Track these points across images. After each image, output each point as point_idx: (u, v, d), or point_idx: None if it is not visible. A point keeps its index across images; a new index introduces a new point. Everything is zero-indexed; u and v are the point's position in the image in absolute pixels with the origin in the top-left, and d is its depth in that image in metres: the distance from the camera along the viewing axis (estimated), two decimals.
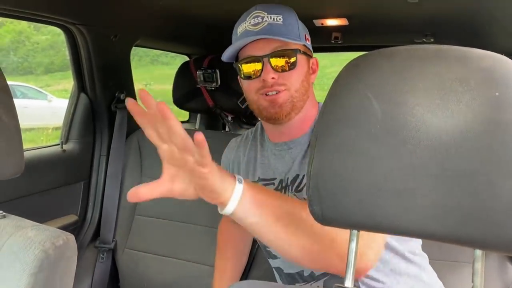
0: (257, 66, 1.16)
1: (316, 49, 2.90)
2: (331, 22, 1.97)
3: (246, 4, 1.60)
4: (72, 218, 1.87)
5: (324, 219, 0.77)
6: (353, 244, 0.79)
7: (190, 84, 2.04)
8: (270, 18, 1.15)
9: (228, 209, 0.88)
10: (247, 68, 1.18)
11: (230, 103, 2.00)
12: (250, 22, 1.16)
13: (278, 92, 1.16)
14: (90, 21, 1.69)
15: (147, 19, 1.86)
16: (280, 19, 1.16)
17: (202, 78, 1.97)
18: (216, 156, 1.72)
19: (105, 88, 1.93)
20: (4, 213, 1.01)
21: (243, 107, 1.96)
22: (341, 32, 2.18)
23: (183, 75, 2.08)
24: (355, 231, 0.79)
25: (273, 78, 1.15)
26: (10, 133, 0.97)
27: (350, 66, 0.76)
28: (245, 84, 1.22)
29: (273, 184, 1.24)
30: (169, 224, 1.83)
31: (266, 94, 1.16)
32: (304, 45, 1.21)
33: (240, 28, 1.19)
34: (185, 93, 2.06)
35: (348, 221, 0.75)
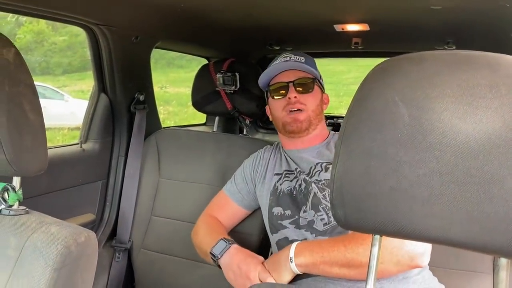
0: (284, 89, 1.55)
1: (336, 55, 2.94)
2: (352, 27, 1.97)
3: (266, 9, 1.61)
4: (89, 217, 1.88)
5: (346, 223, 0.76)
6: (375, 250, 0.79)
7: (209, 86, 2.04)
8: (295, 58, 1.57)
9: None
10: (276, 91, 1.57)
11: (249, 107, 2.00)
12: (280, 60, 1.58)
13: (299, 110, 1.52)
14: (112, 22, 1.71)
15: (167, 21, 1.88)
16: (303, 60, 1.57)
17: (221, 81, 1.97)
18: (237, 158, 1.75)
19: (125, 89, 1.94)
20: (27, 209, 1.02)
21: (261, 111, 1.96)
22: (362, 37, 2.18)
23: (203, 78, 2.09)
24: (377, 236, 0.79)
25: (295, 97, 1.52)
26: (36, 130, 0.98)
27: (377, 70, 0.76)
28: (273, 104, 1.60)
29: (293, 173, 1.55)
30: (185, 225, 1.83)
31: (290, 111, 1.52)
32: (319, 81, 1.60)
33: (272, 64, 1.60)
34: (204, 95, 2.06)
35: (371, 226, 0.74)
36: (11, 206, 1.00)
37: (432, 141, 0.67)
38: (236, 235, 1.73)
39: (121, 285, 1.93)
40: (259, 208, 1.65)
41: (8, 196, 1.00)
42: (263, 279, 1.33)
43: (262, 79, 1.61)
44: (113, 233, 1.95)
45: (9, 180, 1.01)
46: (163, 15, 1.77)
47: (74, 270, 0.90)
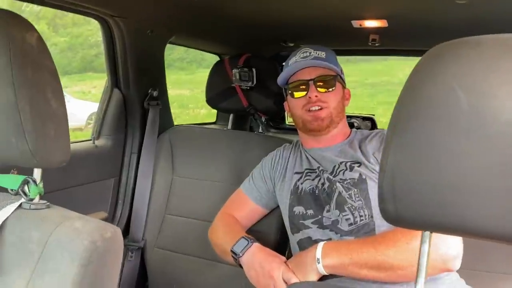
0: (304, 87, 1.48)
1: (351, 52, 2.89)
2: (370, 23, 1.93)
3: (283, 2, 1.57)
4: (102, 215, 1.84)
5: (397, 219, 0.72)
6: (426, 247, 0.74)
7: (224, 83, 2.00)
8: (316, 53, 1.48)
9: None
10: (296, 89, 1.50)
11: (266, 104, 1.95)
12: (299, 56, 1.50)
13: (320, 108, 1.45)
14: (128, 13, 1.67)
15: (182, 16, 1.84)
16: (323, 54, 1.49)
17: (237, 77, 1.92)
18: (252, 156, 1.71)
19: (138, 84, 1.90)
20: (48, 203, 0.97)
21: (278, 108, 1.92)
22: (379, 34, 2.13)
23: (217, 74, 2.04)
24: (427, 233, 0.74)
25: (316, 96, 1.45)
26: (59, 119, 0.93)
27: (431, 56, 0.72)
28: (293, 102, 1.53)
29: (315, 172, 1.49)
30: (200, 224, 1.79)
31: (309, 110, 1.46)
32: (340, 77, 1.53)
33: (291, 60, 1.52)
34: (219, 92, 2.01)
35: (422, 222, 0.70)
36: (31, 199, 0.95)
37: (494, 131, 0.63)
38: (253, 234, 1.68)
39: (134, 284, 1.88)
40: (276, 207, 1.61)
41: (29, 190, 0.96)
42: (287, 279, 1.29)
43: (281, 77, 1.54)
44: (126, 232, 1.90)
45: (28, 173, 0.97)
46: (179, 8, 1.74)
47: (101, 266, 0.85)
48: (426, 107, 0.68)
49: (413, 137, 0.68)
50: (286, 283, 1.28)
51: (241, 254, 1.39)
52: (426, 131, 0.67)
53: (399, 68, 13.71)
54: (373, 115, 3.06)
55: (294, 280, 1.27)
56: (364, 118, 2.99)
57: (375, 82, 12.65)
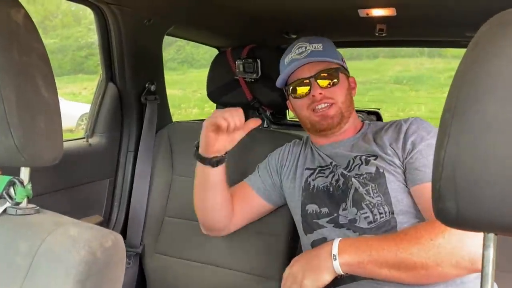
0: (306, 86, 1.38)
1: (357, 44, 2.79)
2: (378, 12, 1.84)
3: None
4: (97, 219, 1.71)
5: (458, 219, 0.60)
6: (490, 252, 0.64)
7: (226, 76, 1.88)
8: (312, 47, 1.39)
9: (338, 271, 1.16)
10: (297, 89, 1.41)
11: (272, 97, 1.83)
12: (295, 52, 1.40)
13: (327, 105, 1.36)
14: (124, 1, 1.55)
15: (182, 5, 1.74)
16: (320, 46, 1.39)
17: (241, 69, 1.81)
18: (258, 153, 1.60)
19: (135, 78, 1.78)
20: (37, 208, 0.85)
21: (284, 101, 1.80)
22: (387, 23, 2.04)
23: (219, 66, 1.92)
24: (491, 235, 0.63)
25: (320, 93, 1.36)
26: (51, 111, 0.81)
27: (495, 25, 0.60)
28: (296, 103, 1.44)
29: (329, 167, 1.40)
30: None
31: (315, 110, 1.37)
32: (342, 66, 1.43)
33: (287, 58, 1.43)
34: (221, 85, 1.89)
35: (488, 222, 0.59)
36: (18, 203, 0.83)
37: None
38: (261, 237, 1.60)
39: None
40: (284, 206, 1.51)
41: (15, 192, 0.83)
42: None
43: (280, 79, 1.46)
44: (123, 237, 1.77)
45: (14, 173, 0.85)
46: None
47: (100, 281, 0.73)
48: (493, 84, 0.57)
49: (478, 120, 0.57)
50: None
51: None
52: (494, 112, 0.56)
53: (389, 67, 13.75)
54: (379, 109, 2.99)
55: None
56: (370, 113, 2.92)
57: (365, 80, 12.68)
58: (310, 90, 1.37)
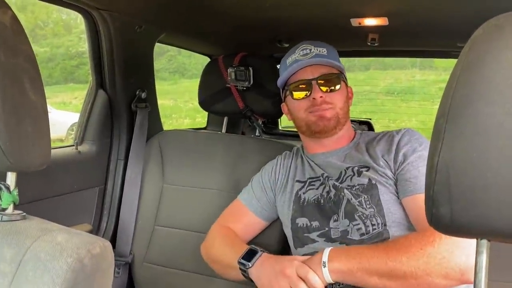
0: (307, 87, 1.37)
1: (349, 54, 2.79)
2: (370, 21, 1.83)
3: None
4: (86, 227, 1.67)
5: (451, 225, 0.60)
6: (483, 258, 0.63)
7: (218, 84, 1.86)
8: (317, 50, 1.38)
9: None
10: (297, 90, 1.39)
11: (264, 105, 1.81)
12: (299, 53, 1.39)
13: (325, 108, 1.35)
14: (115, 6, 1.53)
15: (173, 12, 1.71)
16: (324, 51, 1.38)
17: (233, 76, 1.79)
18: (250, 162, 1.59)
19: (125, 85, 1.76)
20: (24, 214, 0.83)
21: (276, 110, 1.79)
22: (379, 33, 2.04)
23: (211, 74, 1.90)
24: (484, 241, 0.62)
25: (321, 96, 1.35)
26: (38, 114, 0.79)
27: (490, 28, 0.60)
28: (294, 104, 1.42)
29: (319, 179, 1.39)
30: (193, 236, 1.65)
31: (313, 111, 1.36)
32: (343, 74, 1.43)
33: (290, 59, 1.41)
34: (213, 93, 1.87)
35: (481, 227, 0.58)
36: (4, 209, 0.81)
37: None
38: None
39: None
40: (277, 219, 1.49)
41: (1, 198, 0.81)
42: (302, 274, 1.15)
43: (281, 78, 1.44)
44: (112, 246, 1.74)
45: (1, 178, 0.82)
46: (169, 4, 1.61)
47: None
48: (487, 87, 0.57)
49: (471, 124, 0.57)
50: (302, 280, 1.15)
51: (251, 265, 1.25)
52: (488, 116, 0.56)
53: (381, 78, 13.83)
54: (370, 119, 2.98)
55: (311, 274, 1.14)
56: (361, 123, 2.91)
57: (357, 91, 12.68)
58: (311, 92, 1.36)
